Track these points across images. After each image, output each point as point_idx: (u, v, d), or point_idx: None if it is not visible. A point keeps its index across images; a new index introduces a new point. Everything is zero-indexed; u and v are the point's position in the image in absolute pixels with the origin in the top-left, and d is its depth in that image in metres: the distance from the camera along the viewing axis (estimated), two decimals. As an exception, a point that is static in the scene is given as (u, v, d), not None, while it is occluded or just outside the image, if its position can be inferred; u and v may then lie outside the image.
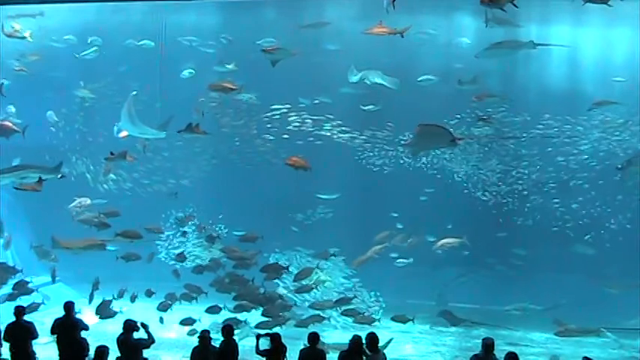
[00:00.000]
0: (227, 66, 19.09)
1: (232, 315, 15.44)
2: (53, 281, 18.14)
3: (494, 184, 20.40)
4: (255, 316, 15.67)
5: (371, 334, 10.18)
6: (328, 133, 20.56)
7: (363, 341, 10.10)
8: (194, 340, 11.39)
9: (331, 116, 20.47)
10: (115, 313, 15.50)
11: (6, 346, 11.19)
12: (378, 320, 16.27)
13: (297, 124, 20.49)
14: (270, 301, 15.88)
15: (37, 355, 11.30)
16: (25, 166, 15.09)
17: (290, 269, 17.18)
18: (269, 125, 20.70)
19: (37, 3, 18.57)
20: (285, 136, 20.44)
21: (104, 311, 15.38)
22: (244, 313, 15.66)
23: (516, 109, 19.61)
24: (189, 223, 19.61)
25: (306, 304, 17.19)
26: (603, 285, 18.14)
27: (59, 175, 15.37)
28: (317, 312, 16.03)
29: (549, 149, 20.01)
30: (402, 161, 20.41)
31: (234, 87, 17.31)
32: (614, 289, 17.84)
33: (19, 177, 14.87)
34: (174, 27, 20.61)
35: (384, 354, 10.19)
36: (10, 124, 16.40)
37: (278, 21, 20.49)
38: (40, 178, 14.54)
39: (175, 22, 20.68)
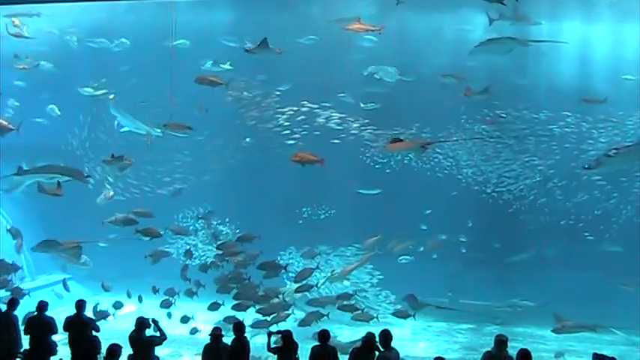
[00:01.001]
0: (222, 66, 18.88)
1: (231, 313, 15.26)
2: (66, 289, 18.08)
3: (509, 178, 20.33)
4: (251, 315, 15.51)
5: (384, 331, 10.12)
6: (355, 131, 20.51)
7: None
8: (206, 337, 11.41)
9: (361, 118, 20.42)
10: (108, 315, 15.60)
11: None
12: (376, 317, 16.10)
13: (323, 120, 20.43)
14: (268, 299, 15.73)
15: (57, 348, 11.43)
16: (51, 167, 15.06)
17: (288, 268, 17.18)
18: (298, 119, 20.56)
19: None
20: (317, 132, 20.31)
21: (99, 314, 15.40)
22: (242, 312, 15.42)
23: (532, 107, 19.74)
24: (205, 221, 19.68)
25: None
26: (618, 282, 17.92)
27: (85, 176, 15.56)
28: (317, 309, 15.80)
29: (567, 145, 19.88)
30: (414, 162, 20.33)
31: (220, 81, 17.13)
32: (630, 286, 17.60)
33: (46, 178, 14.89)
34: (211, 25, 20.52)
35: (397, 351, 10.15)
36: (5, 123, 15.89)
37: (307, 16, 20.37)
38: (58, 182, 14.62)
39: (212, 19, 20.66)
